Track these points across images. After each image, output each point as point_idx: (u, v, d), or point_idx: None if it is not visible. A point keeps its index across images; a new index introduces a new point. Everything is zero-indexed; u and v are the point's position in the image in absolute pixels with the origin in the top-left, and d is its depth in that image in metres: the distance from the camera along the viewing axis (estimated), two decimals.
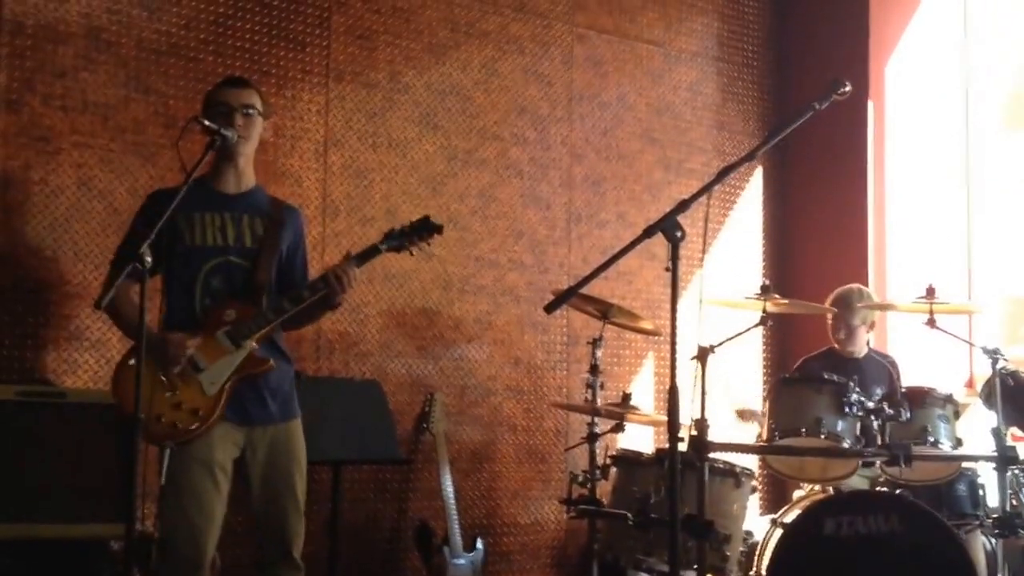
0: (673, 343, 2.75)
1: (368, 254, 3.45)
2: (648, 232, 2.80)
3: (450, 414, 5.09)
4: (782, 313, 4.44)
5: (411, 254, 3.55)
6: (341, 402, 4.48)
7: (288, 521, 3.43)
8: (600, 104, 5.78)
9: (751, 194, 6.27)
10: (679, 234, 2.77)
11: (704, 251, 5.61)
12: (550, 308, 2.99)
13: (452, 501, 4.76)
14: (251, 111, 3.45)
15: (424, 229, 3.52)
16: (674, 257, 2.77)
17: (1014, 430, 4.23)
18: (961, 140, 5.98)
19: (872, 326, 5.03)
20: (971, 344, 4.79)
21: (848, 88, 3.02)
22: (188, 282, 3.38)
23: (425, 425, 4.92)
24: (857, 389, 3.98)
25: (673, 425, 2.74)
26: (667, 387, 2.77)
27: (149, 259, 2.94)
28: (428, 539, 4.79)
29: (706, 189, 2.98)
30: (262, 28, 4.82)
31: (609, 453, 4.33)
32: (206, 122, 3.27)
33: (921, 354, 5.24)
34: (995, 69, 6.03)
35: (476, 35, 5.40)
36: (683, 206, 2.86)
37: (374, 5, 5.12)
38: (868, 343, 5.07)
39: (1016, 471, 4.09)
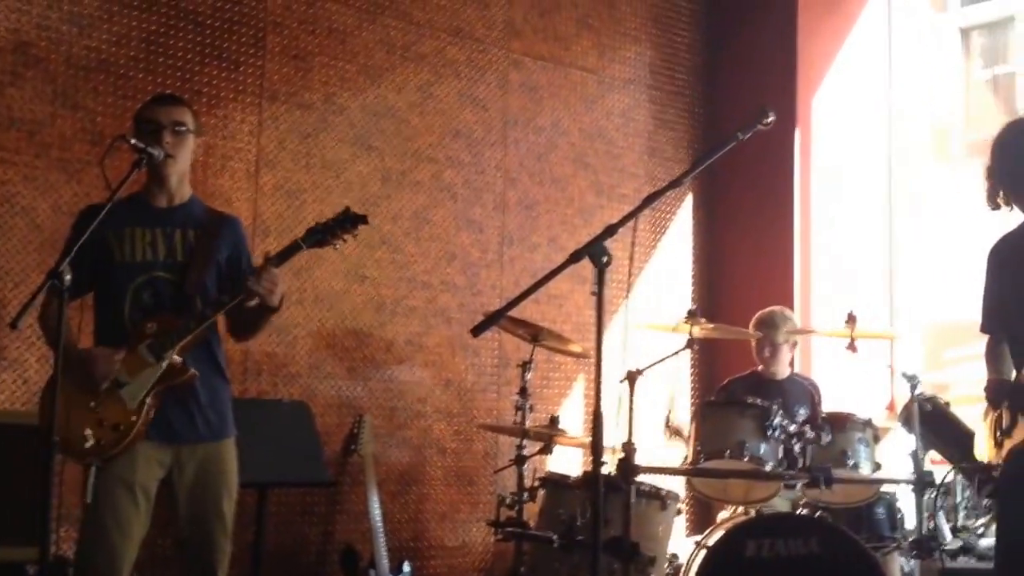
0: (598, 367, 2.75)
1: (289, 251, 3.34)
2: (575, 257, 2.81)
3: (379, 436, 5.07)
4: (709, 337, 4.50)
5: (335, 248, 3.42)
6: (268, 424, 4.44)
7: (214, 542, 3.35)
8: (534, 129, 5.83)
9: (682, 220, 6.36)
10: (605, 259, 2.77)
11: (631, 275, 5.67)
12: (476, 331, 2.97)
13: (379, 523, 4.72)
14: (182, 128, 3.39)
15: (347, 221, 3.38)
16: (600, 282, 2.78)
17: (932, 454, 4.34)
18: (884, 171, 6.14)
19: (794, 346, 5.13)
20: (891, 369, 4.90)
21: (772, 118, 3.03)
22: (117, 298, 3.32)
23: (353, 447, 4.90)
24: (781, 412, 4.07)
25: (597, 448, 2.75)
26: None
27: (68, 277, 2.89)
28: (354, 562, 4.76)
29: (632, 215, 2.98)
30: (195, 47, 4.79)
31: (538, 475, 4.35)
32: (132, 140, 3.23)
33: (843, 379, 5.36)
34: (918, 103, 6.21)
35: (412, 58, 5.42)
36: (610, 231, 2.85)
37: (309, 26, 5.12)
38: (792, 364, 5.17)
39: (933, 494, 4.18)
